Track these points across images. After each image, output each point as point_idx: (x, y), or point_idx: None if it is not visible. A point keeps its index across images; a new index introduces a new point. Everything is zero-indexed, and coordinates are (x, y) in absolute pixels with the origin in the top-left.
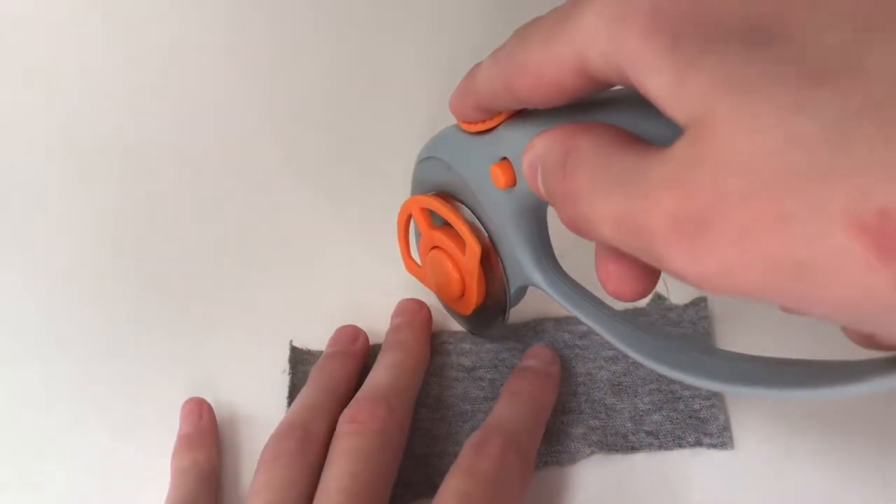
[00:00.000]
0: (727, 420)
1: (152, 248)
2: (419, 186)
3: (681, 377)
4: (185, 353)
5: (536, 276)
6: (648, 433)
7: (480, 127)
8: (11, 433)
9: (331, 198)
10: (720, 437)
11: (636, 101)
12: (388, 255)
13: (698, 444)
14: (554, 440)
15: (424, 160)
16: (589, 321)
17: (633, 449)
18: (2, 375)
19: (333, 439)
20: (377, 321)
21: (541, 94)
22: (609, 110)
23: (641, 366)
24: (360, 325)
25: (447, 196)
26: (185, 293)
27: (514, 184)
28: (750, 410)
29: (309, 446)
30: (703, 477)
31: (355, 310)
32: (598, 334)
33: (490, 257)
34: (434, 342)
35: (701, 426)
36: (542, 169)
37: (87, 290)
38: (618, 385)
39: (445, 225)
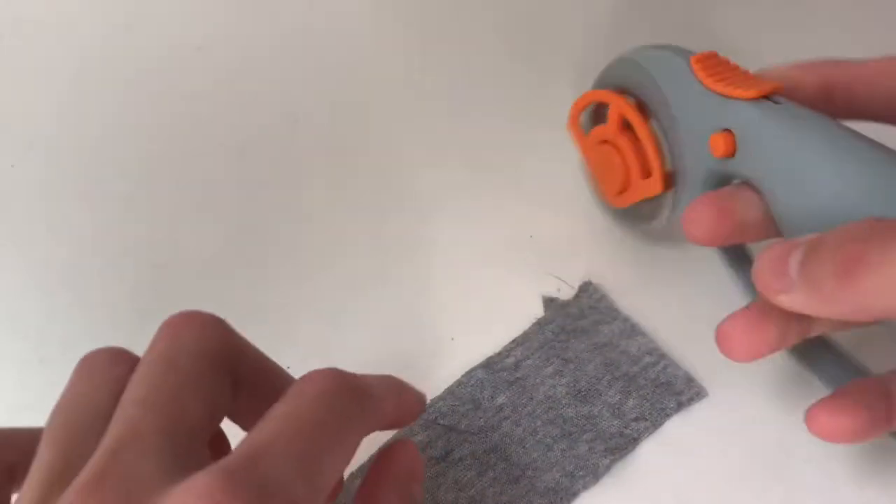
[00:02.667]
0: (686, 373)
1: (153, 249)
2: (607, 81)
3: None
4: None
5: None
6: (636, 419)
7: (721, 89)
8: None
9: (337, 200)
10: (690, 389)
11: None
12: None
13: (680, 406)
14: (571, 469)
15: (625, 60)
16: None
17: (635, 440)
18: (2, 375)
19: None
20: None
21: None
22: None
23: (585, 365)
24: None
25: (645, 110)
26: (185, 293)
27: (732, 156)
28: (699, 358)
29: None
30: (706, 431)
31: (366, 321)
32: (526, 359)
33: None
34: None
35: (670, 388)
36: (815, 275)
37: (87, 290)
38: (578, 393)
39: (628, 129)
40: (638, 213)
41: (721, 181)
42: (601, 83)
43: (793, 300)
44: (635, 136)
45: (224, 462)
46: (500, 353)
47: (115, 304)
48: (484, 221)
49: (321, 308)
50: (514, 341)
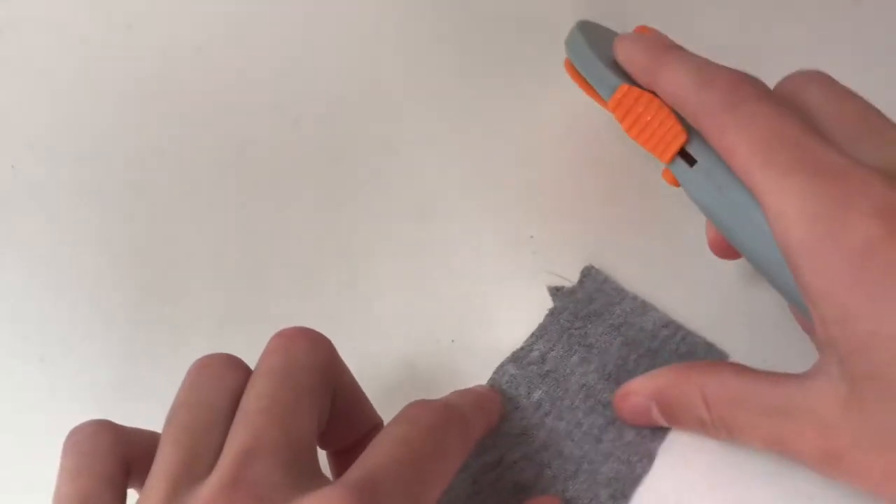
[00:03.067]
0: (704, 339)
1: (153, 248)
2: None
3: None
4: (185, 353)
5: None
6: None
7: (649, 149)
8: (11, 433)
9: (336, 200)
10: (712, 355)
11: None
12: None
13: None
14: (626, 457)
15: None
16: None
17: None
18: (2, 375)
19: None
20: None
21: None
22: None
23: (607, 348)
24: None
25: None
26: (185, 293)
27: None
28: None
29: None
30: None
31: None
32: (550, 350)
33: None
34: None
35: (693, 357)
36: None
37: (87, 291)
38: (609, 377)
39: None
40: None
41: None
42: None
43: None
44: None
45: (348, 478)
46: (523, 348)
47: (115, 304)
48: (484, 221)
49: (321, 308)
50: (533, 335)
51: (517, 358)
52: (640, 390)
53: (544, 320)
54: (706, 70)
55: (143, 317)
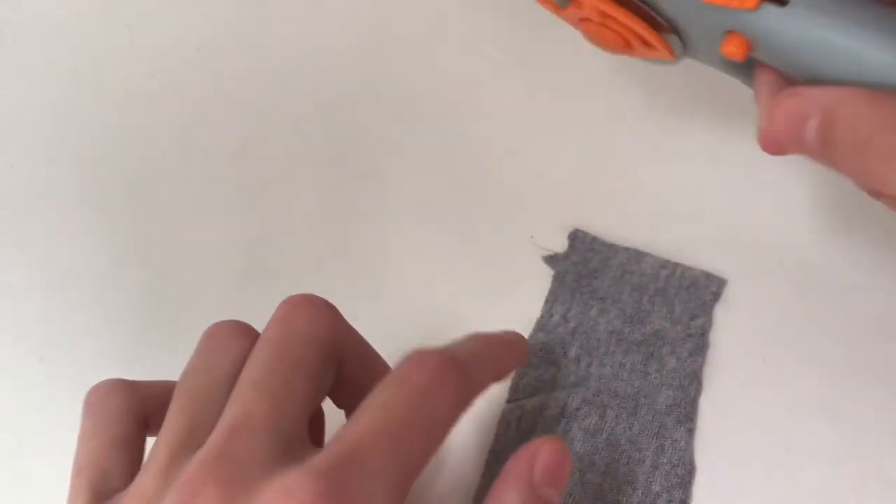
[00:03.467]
0: (701, 270)
1: (152, 248)
2: None
3: None
4: (185, 353)
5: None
6: (692, 318)
7: (736, 2)
8: (11, 433)
9: (336, 200)
10: (714, 281)
11: None
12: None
13: (716, 296)
14: (677, 382)
15: None
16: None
17: (703, 335)
18: (2, 375)
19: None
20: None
21: None
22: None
23: (620, 296)
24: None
25: None
26: (185, 293)
27: (751, 52)
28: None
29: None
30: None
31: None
32: (568, 311)
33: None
34: None
35: (697, 286)
36: (839, 144)
37: (87, 291)
38: (632, 319)
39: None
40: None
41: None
42: None
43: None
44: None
45: (317, 461)
46: (543, 315)
47: (115, 303)
48: (484, 222)
49: None
50: (547, 301)
51: (541, 326)
52: (815, 95)
53: (552, 285)
54: None
55: (144, 317)
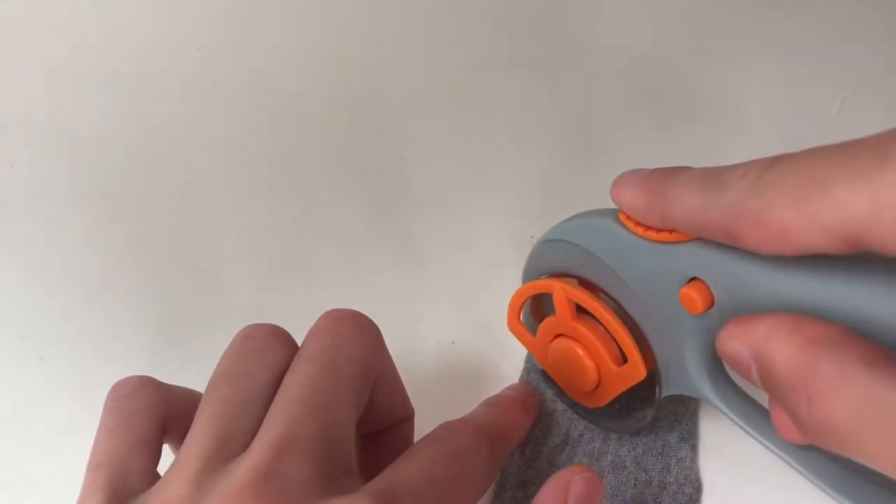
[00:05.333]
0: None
1: (151, 248)
2: (539, 268)
3: None
4: (185, 352)
5: (707, 390)
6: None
7: (665, 237)
8: (11, 433)
9: (336, 200)
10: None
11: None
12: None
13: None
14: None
15: (551, 242)
16: (766, 440)
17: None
18: (2, 375)
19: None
20: None
21: (773, 248)
22: (859, 276)
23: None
24: None
25: (593, 288)
26: (185, 293)
27: (712, 306)
28: None
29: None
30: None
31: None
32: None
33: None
34: None
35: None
36: (772, 377)
37: (87, 290)
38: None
39: (582, 314)
40: (625, 406)
41: (712, 335)
42: (532, 273)
43: None
44: (594, 320)
45: (375, 486)
46: None
47: (115, 303)
48: (484, 221)
49: (320, 309)
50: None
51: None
52: (744, 340)
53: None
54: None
55: (143, 317)
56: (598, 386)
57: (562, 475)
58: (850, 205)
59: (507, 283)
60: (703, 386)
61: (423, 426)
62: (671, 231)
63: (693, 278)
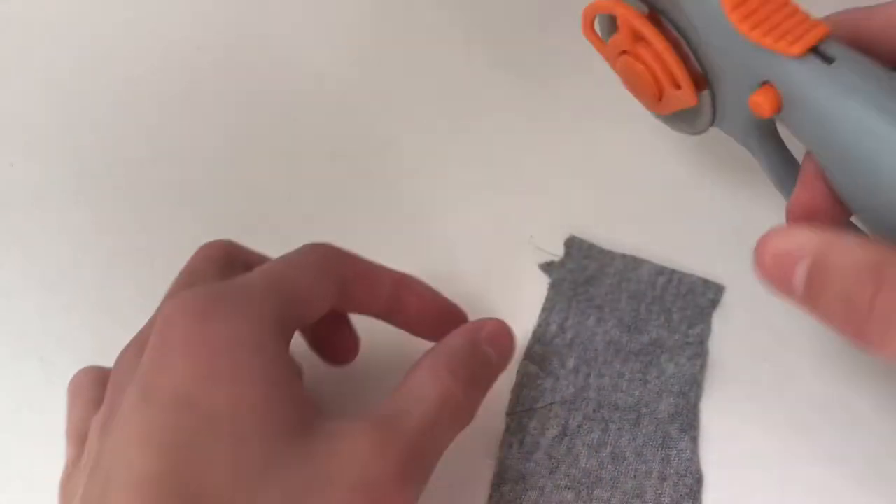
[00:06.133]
0: (698, 277)
1: (152, 248)
2: None
3: None
4: None
5: (752, 142)
6: (689, 327)
7: (771, 42)
8: (11, 433)
9: (336, 200)
10: (711, 288)
11: None
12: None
13: (713, 303)
14: (677, 388)
15: None
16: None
17: (701, 343)
18: (2, 375)
19: None
20: None
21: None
22: None
23: (617, 304)
24: None
25: (661, 23)
26: None
27: (779, 112)
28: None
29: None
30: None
31: None
32: (566, 320)
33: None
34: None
35: (694, 293)
36: (830, 295)
37: (87, 290)
38: (629, 328)
39: (643, 39)
40: (684, 117)
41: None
42: None
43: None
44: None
45: (378, 414)
46: (540, 325)
47: (115, 303)
48: (484, 221)
49: None
50: (543, 310)
51: (539, 336)
52: (802, 240)
53: (549, 293)
54: None
55: (143, 317)
56: (659, 98)
57: (480, 319)
58: None
59: (507, 283)
60: (750, 139)
61: None
62: (765, 32)
63: (766, 82)
